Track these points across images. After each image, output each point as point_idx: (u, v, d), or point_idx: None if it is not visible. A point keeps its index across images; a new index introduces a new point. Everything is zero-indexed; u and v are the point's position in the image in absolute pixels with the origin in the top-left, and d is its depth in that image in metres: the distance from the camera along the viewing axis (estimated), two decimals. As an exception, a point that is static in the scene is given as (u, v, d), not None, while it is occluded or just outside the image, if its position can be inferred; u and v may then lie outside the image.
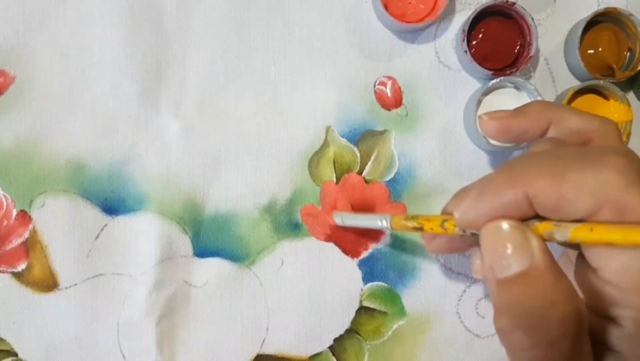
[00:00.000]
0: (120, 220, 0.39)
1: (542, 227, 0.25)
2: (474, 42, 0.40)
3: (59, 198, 0.39)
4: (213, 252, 0.40)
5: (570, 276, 0.27)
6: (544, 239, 0.25)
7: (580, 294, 0.26)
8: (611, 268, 0.24)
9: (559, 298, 0.24)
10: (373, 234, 0.40)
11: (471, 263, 0.41)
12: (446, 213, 0.28)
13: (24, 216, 0.39)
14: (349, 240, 0.40)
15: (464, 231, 0.27)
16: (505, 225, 0.25)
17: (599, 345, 0.25)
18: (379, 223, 0.34)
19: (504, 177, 0.25)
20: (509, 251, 0.24)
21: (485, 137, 0.39)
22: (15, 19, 0.39)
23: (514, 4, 0.39)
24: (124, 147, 0.39)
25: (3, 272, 0.39)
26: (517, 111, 0.33)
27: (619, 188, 0.23)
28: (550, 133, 0.32)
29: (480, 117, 0.34)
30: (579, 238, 0.23)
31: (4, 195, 0.39)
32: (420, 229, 0.30)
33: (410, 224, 0.31)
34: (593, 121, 0.30)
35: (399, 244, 0.40)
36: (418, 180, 0.41)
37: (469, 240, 0.29)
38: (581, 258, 0.26)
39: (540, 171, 0.24)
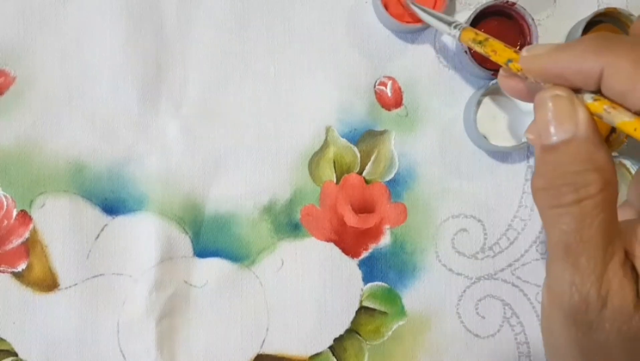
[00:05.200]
0: (121, 220, 0.39)
1: (594, 107, 0.25)
2: (474, 42, 0.40)
3: (59, 198, 0.39)
4: (213, 252, 0.40)
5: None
6: (592, 113, 0.25)
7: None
8: None
9: (591, 166, 0.25)
10: (373, 234, 0.40)
11: (472, 259, 0.41)
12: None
13: (24, 216, 0.39)
14: (349, 240, 0.40)
15: (526, 77, 0.27)
16: (558, 93, 0.26)
17: None
18: (448, 29, 0.35)
19: (589, 44, 0.25)
20: (555, 120, 0.25)
21: (485, 137, 0.39)
22: (15, 19, 0.39)
23: (514, 4, 0.39)
24: (124, 148, 0.39)
25: (3, 272, 0.39)
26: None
27: None
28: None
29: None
30: (624, 130, 0.25)
31: (4, 195, 0.39)
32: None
33: (478, 48, 0.31)
34: None
35: (399, 244, 0.40)
36: (418, 180, 0.41)
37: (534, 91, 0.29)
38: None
39: (628, 53, 0.24)
